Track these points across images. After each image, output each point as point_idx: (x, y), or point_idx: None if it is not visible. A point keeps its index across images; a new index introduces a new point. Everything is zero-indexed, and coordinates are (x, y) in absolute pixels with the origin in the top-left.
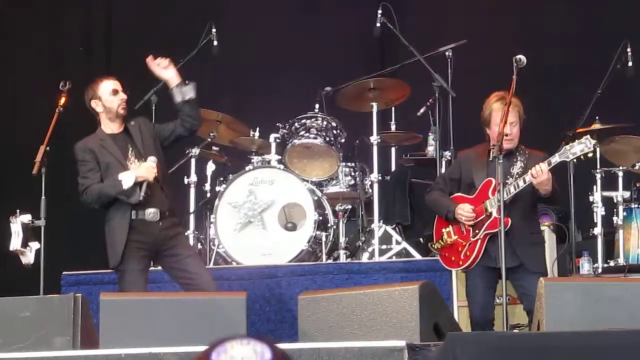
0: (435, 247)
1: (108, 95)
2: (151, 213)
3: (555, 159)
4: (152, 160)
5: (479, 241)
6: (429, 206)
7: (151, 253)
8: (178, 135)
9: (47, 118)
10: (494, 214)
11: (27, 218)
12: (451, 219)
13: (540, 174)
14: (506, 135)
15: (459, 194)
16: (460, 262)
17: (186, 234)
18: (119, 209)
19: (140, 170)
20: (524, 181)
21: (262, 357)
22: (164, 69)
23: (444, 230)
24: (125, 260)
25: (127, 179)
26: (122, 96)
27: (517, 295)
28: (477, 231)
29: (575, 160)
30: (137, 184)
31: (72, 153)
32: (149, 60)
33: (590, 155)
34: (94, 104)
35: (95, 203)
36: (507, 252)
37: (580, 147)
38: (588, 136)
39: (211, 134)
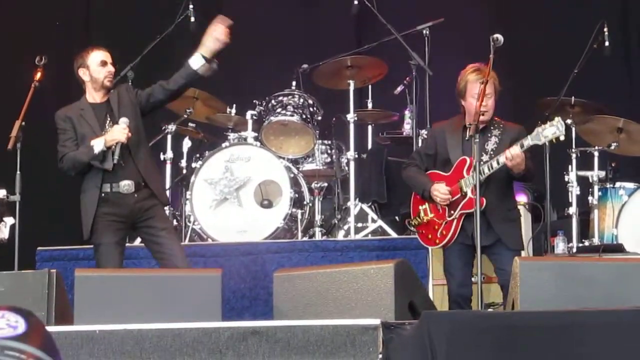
0: (413, 223)
1: (96, 66)
2: (126, 185)
3: (528, 141)
4: (123, 122)
5: (455, 220)
6: (405, 182)
7: (127, 225)
8: (156, 100)
9: (23, 93)
10: (469, 194)
11: (1, 193)
12: (427, 197)
13: (514, 157)
14: (483, 107)
15: (435, 170)
16: (437, 241)
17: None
18: (92, 180)
19: (110, 134)
20: (498, 162)
21: (15, 329)
22: (219, 40)
23: (420, 207)
24: (100, 233)
25: (97, 143)
26: (110, 68)
27: (493, 269)
28: (452, 211)
29: (547, 143)
30: (110, 149)
31: (48, 127)
32: (221, 21)
33: (562, 138)
34: (82, 72)
35: (70, 170)
36: (484, 229)
37: (552, 129)
38: (559, 119)
39: (187, 110)
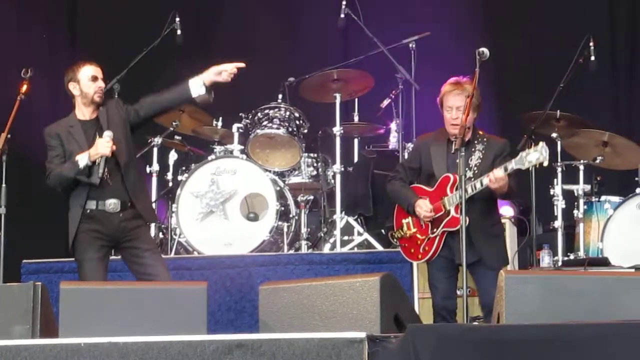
0: (396, 236)
1: (87, 81)
2: (112, 204)
3: (512, 165)
4: (107, 135)
5: (438, 237)
6: (390, 196)
7: (111, 243)
8: (147, 115)
9: (9, 106)
10: (452, 212)
11: None
12: (412, 212)
13: (497, 179)
14: (454, 120)
15: (419, 185)
16: (420, 256)
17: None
18: (77, 198)
19: (94, 147)
20: (481, 184)
21: None
22: (226, 76)
23: (403, 221)
24: (83, 249)
25: (82, 158)
26: (100, 84)
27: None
28: (435, 229)
29: (530, 168)
30: (95, 163)
31: (33, 140)
32: (232, 68)
33: (545, 164)
34: (72, 86)
35: (58, 186)
36: (466, 248)
37: (536, 155)
38: (543, 144)
39: (174, 123)
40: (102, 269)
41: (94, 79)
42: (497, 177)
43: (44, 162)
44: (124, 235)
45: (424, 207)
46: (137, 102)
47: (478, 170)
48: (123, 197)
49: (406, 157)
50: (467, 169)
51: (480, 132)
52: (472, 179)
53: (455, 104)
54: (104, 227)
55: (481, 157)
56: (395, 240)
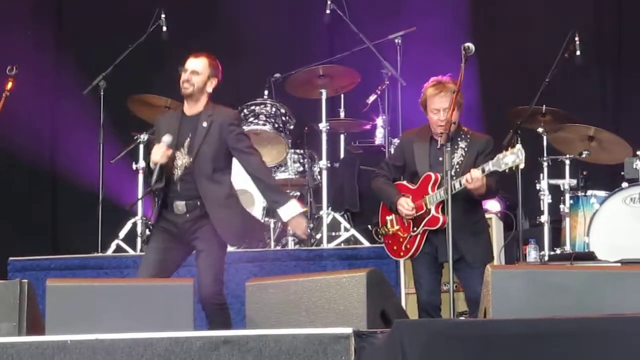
0: (380, 232)
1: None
2: (178, 206)
3: (489, 167)
4: (163, 141)
5: (419, 236)
6: (374, 193)
7: (177, 238)
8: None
9: None
10: (433, 211)
11: None
12: (394, 210)
13: (474, 180)
14: (440, 120)
15: (403, 182)
16: (402, 254)
17: (134, 220)
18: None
19: (152, 154)
20: (460, 184)
21: None
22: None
23: (387, 218)
24: (148, 240)
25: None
26: (186, 77)
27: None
28: (415, 228)
29: (507, 170)
30: (158, 169)
31: (19, 138)
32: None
33: (522, 166)
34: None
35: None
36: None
37: (512, 157)
38: (520, 147)
39: None
40: (154, 255)
41: (184, 71)
42: (474, 177)
43: (30, 159)
44: (187, 234)
45: (405, 205)
46: (241, 153)
47: (460, 168)
48: (191, 200)
49: (392, 153)
50: None
51: (464, 129)
52: (454, 177)
53: (442, 105)
54: (171, 225)
55: (464, 154)
56: (379, 237)
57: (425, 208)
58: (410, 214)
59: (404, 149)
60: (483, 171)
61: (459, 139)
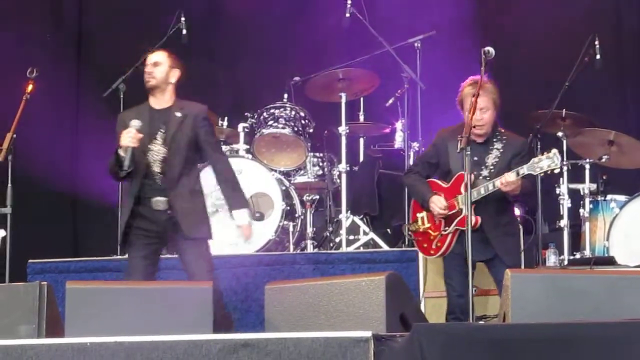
0: (410, 229)
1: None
2: (159, 202)
3: (524, 170)
4: (132, 126)
5: (450, 235)
6: (407, 189)
7: (160, 240)
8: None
9: (14, 105)
10: (464, 211)
11: None
12: (427, 207)
13: (509, 183)
14: (478, 121)
15: (435, 179)
16: (432, 252)
17: None
18: (128, 194)
19: (121, 140)
20: (494, 185)
21: None
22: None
23: (418, 215)
24: (129, 246)
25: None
26: (149, 69)
27: (493, 281)
28: (446, 227)
29: (542, 174)
30: (125, 152)
31: (39, 139)
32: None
33: (557, 171)
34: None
35: (110, 173)
36: (482, 245)
37: (548, 162)
38: (556, 151)
39: None
40: (143, 267)
41: (146, 66)
42: (508, 181)
43: (48, 161)
44: (171, 231)
45: (438, 203)
46: (212, 147)
47: (495, 168)
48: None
49: (412, 156)
50: (483, 167)
51: (501, 130)
52: (488, 178)
53: (479, 105)
54: (151, 224)
55: (499, 155)
56: (409, 233)
57: (457, 207)
58: (443, 213)
59: (439, 147)
60: (518, 174)
61: (494, 139)
